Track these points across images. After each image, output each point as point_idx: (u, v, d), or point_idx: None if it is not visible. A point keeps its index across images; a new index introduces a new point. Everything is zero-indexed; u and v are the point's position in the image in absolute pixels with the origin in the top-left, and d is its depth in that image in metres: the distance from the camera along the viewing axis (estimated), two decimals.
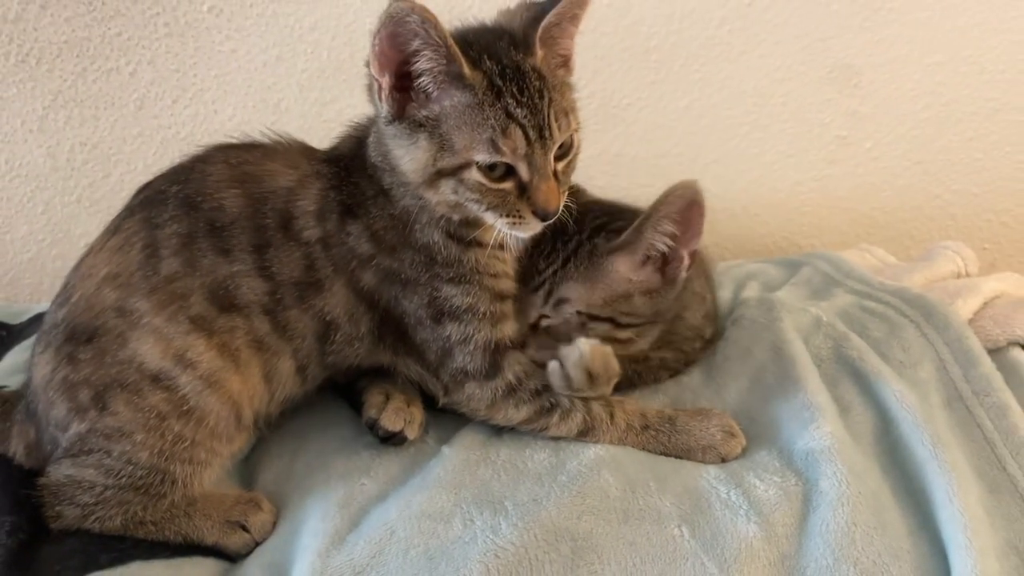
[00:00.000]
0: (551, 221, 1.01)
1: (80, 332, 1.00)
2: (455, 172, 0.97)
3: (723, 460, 1.07)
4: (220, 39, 1.60)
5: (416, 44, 0.91)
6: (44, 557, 0.98)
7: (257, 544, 1.04)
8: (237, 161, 1.04)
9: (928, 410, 1.08)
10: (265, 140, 1.09)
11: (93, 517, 1.01)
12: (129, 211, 1.05)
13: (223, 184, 1.03)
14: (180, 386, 0.99)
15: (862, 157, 1.77)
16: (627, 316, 1.15)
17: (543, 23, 0.97)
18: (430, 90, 0.95)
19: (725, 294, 1.45)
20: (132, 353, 0.98)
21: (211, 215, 1.01)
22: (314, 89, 1.64)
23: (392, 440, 1.11)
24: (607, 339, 1.10)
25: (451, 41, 0.91)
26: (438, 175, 0.97)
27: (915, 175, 1.78)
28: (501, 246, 1.06)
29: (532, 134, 0.95)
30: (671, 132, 1.71)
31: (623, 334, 1.15)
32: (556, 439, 1.08)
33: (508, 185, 0.98)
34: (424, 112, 0.96)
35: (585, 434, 1.08)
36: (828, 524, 0.93)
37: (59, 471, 1.02)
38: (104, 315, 0.99)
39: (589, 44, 1.63)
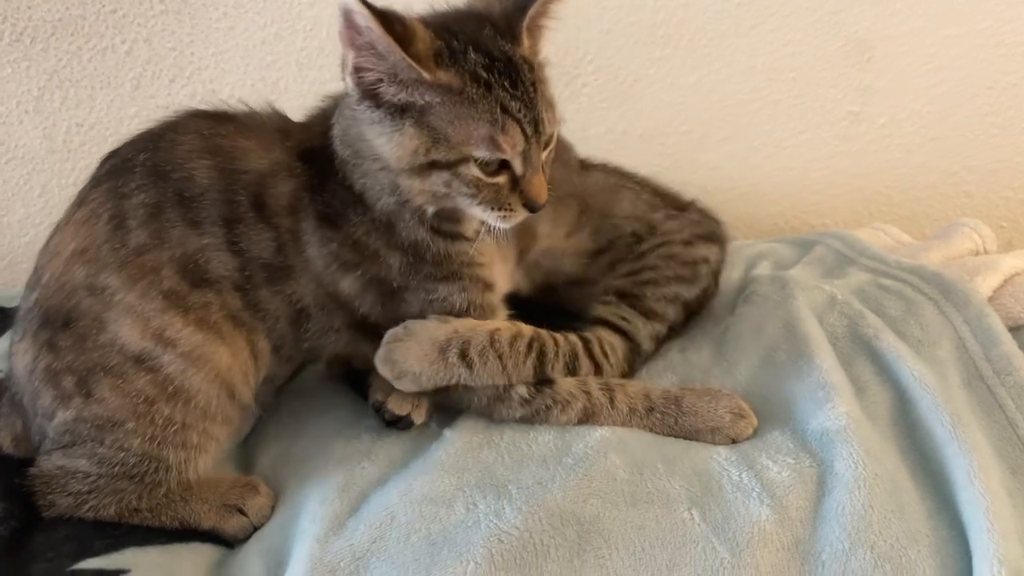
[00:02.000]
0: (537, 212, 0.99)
1: (55, 316, 0.96)
2: (451, 166, 0.93)
3: (733, 442, 1.04)
4: (217, 16, 1.57)
5: (366, 49, 0.87)
6: (37, 544, 0.96)
7: (255, 528, 1.02)
8: (210, 132, 1.00)
9: (947, 389, 1.05)
10: (239, 111, 1.04)
11: (87, 506, 0.99)
12: (95, 181, 1.00)
13: (194, 154, 0.98)
14: (163, 365, 0.96)
15: (875, 134, 1.72)
16: None
17: (530, 12, 0.93)
18: (395, 90, 0.90)
19: (735, 273, 1.42)
20: (112, 336, 0.95)
21: (180, 185, 0.97)
22: (313, 67, 1.61)
23: (398, 424, 1.08)
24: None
25: (402, 53, 0.86)
26: (431, 166, 0.93)
27: (930, 152, 1.73)
28: (485, 233, 1.03)
29: (528, 129, 0.92)
30: (679, 109, 1.67)
31: None
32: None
33: (502, 179, 0.95)
34: (403, 97, 0.91)
35: (586, 420, 1.05)
36: (844, 507, 0.90)
37: (50, 461, 0.99)
38: (76, 295, 0.95)
39: (594, 18, 1.59)
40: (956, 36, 1.64)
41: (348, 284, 1.01)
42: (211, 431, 1.00)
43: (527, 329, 1.07)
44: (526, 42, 0.94)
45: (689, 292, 1.25)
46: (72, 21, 1.56)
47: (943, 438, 0.98)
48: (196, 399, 0.98)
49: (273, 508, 1.03)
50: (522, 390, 1.04)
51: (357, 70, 0.90)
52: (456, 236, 1.03)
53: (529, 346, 1.05)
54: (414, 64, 0.87)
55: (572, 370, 1.08)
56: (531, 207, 0.97)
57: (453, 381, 1.02)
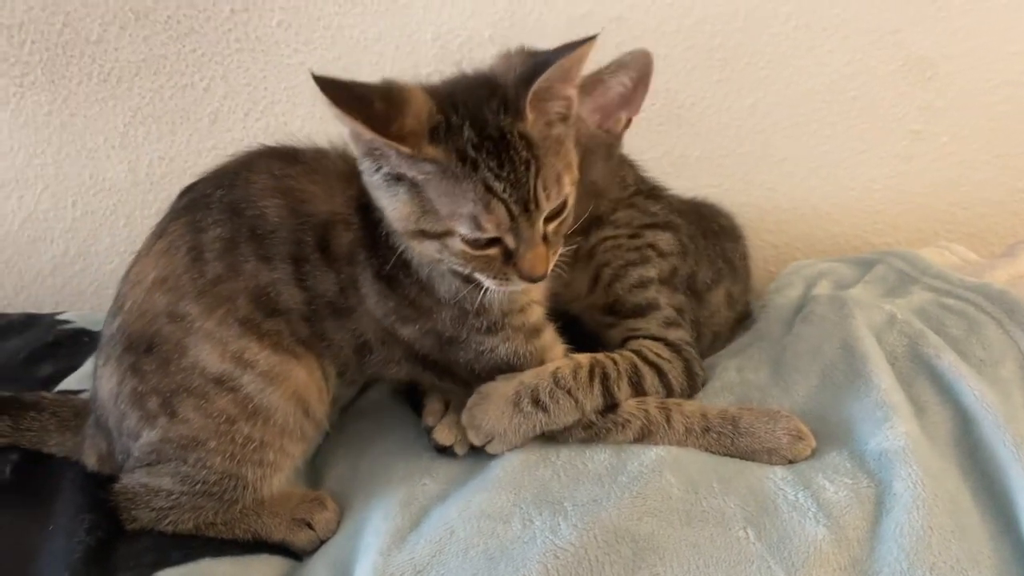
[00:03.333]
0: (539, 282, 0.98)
1: (138, 341, 1.02)
2: (439, 237, 0.94)
3: (790, 462, 1.04)
4: (289, 52, 1.64)
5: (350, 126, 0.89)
6: (120, 554, 1.01)
7: (322, 542, 1.06)
8: (281, 173, 1.04)
9: (1011, 410, 1.04)
10: (309, 151, 1.08)
11: (167, 520, 1.04)
12: (174, 214, 1.06)
13: (266, 193, 1.03)
14: (243, 385, 1.01)
15: (938, 152, 1.70)
16: None
17: (533, 87, 0.89)
18: (384, 161, 0.92)
19: (794, 292, 1.42)
20: (193, 360, 1.00)
21: (253, 222, 1.02)
22: None
23: (444, 452, 1.11)
24: None
25: (372, 134, 0.87)
26: (421, 234, 0.94)
27: (995, 169, 1.70)
28: None
29: (515, 208, 0.90)
30: (737, 131, 1.68)
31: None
32: None
33: (493, 252, 0.95)
34: (393, 167, 0.91)
35: (642, 440, 1.07)
36: (903, 527, 0.89)
37: (134, 479, 1.05)
38: (157, 321, 1.01)
39: (650, 44, 1.60)
40: (1020, 53, 1.61)
41: (407, 332, 1.05)
42: (287, 448, 1.05)
43: (584, 358, 1.09)
44: (530, 117, 0.90)
45: (652, 271, 1.24)
46: (155, 60, 1.65)
47: (1006, 459, 0.97)
48: (275, 416, 1.02)
49: (339, 522, 1.07)
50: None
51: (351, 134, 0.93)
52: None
53: (591, 373, 1.08)
54: (393, 143, 0.87)
55: (637, 383, 1.11)
56: (528, 280, 0.96)
57: (538, 429, 1.05)
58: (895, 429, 1.01)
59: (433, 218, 0.92)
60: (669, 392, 1.13)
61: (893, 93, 1.65)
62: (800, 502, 0.96)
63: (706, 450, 1.06)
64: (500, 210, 0.90)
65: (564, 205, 0.96)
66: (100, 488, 1.08)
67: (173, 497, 1.04)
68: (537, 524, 0.95)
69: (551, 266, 0.97)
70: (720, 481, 1.00)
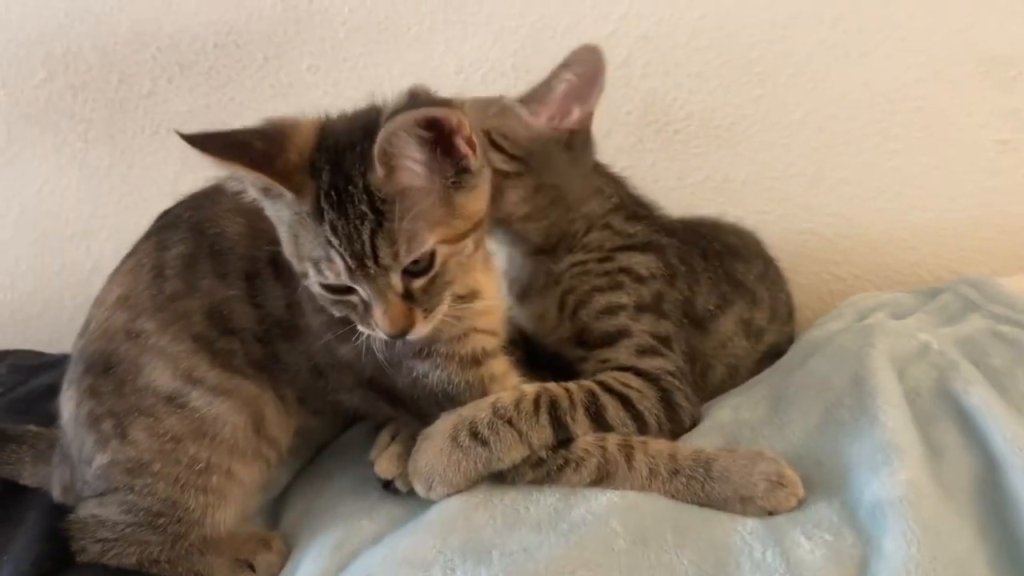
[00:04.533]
0: (411, 339, 0.91)
1: (97, 362, 1.01)
2: (304, 276, 0.90)
3: (770, 513, 0.88)
4: (319, 95, 1.65)
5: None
6: None
7: None
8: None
9: None
10: None
11: (112, 553, 1.02)
12: (146, 236, 1.07)
13: (229, 212, 1.02)
14: (192, 401, 0.99)
15: None
16: (504, 139, 1.11)
17: (376, 143, 0.82)
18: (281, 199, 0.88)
19: (836, 325, 1.23)
20: (147, 379, 0.99)
21: (213, 239, 1.01)
22: None
23: (388, 489, 1.02)
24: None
25: (265, 178, 0.84)
26: (300, 273, 0.91)
27: None
28: (463, 299, 0.97)
29: (352, 263, 0.85)
30: (786, 150, 1.52)
31: (498, 161, 1.09)
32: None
33: (354, 298, 0.90)
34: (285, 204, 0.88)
35: (600, 482, 0.94)
36: None
37: (86, 509, 1.04)
38: (116, 339, 1.01)
39: (681, 61, 1.50)
40: None
41: (345, 351, 0.99)
42: (235, 472, 1.01)
43: (531, 387, 0.99)
44: (380, 171, 0.83)
45: (623, 298, 1.10)
46: (199, 111, 1.70)
47: None
48: (222, 432, 0.99)
49: (283, 565, 1.01)
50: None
51: None
52: None
53: (536, 403, 0.96)
54: (274, 181, 0.84)
55: (596, 415, 0.98)
56: (386, 334, 0.89)
57: (480, 467, 0.94)
58: (894, 476, 0.83)
59: (297, 257, 0.89)
60: (641, 426, 0.99)
61: (968, 99, 1.44)
62: (767, 561, 0.81)
63: (672, 496, 0.92)
64: (338, 261, 0.86)
65: (431, 263, 0.88)
66: (60, 519, 1.06)
67: (119, 528, 1.01)
68: (458, 573, 0.85)
69: (428, 323, 0.90)
70: (676, 532, 0.86)
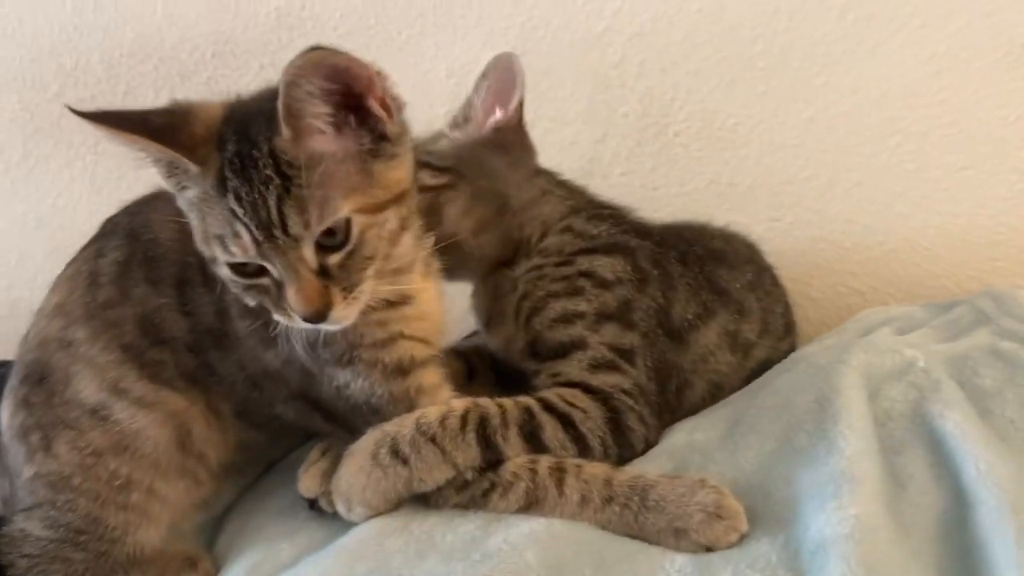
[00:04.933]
0: (332, 325, 0.85)
1: (33, 372, 0.99)
2: (213, 262, 0.85)
3: (708, 549, 0.78)
4: None
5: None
6: None
7: None
8: None
9: None
10: None
11: (37, 570, 0.98)
12: (88, 243, 1.04)
13: (164, 217, 0.97)
14: (115, 413, 0.95)
15: None
16: (428, 154, 1.08)
17: (280, 98, 0.78)
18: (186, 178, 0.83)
19: (832, 340, 1.11)
20: (75, 390, 0.96)
21: (147, 245, 0.98)
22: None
23: (314, 509, 0.96)
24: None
25: (168, 151, 0.80)
26: (210, 260, 0.86)
27: None
28: (393, 303, 0.91)
29: (259, 235, 0.79)
30: (795, 152, 1.40)
31: (427, 178, 1.05)
32: None
33: (265, 281, 0.84)
34: (179, 181, 0.84)
35: (529, 508, 0.85)
36: None
37: (16, 524, 1.00)
38: (50, 348, 0.98)
39: (679, 59, 1.40)
40: None
41: (271, 359, 0.94)
42: (157, 489, 0.97)
43: (460, 402, 0.91)
44: (286, 131, 0.79)
45: (582, 304, 1.00)
46: None
47: (1002, 562, 0.65)
48: (143, 447, 0.95)
49: None
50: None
51: None
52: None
53: (464, 419, 0.89)
54: (176, 153, 0.80)
55: (532, 435, 0.90)
56: (300, 317, 0.83)
57: (401, 488, 0.87)
58: (842, 511, 0.72)
59: (205, 240, 0.84)
60: (582, 449, 0.90)
61: (998, 91, 1.30)
62: None
63: (603, 527, 0.83)
64: (244, 234, 0.80)
65: (347, 236, 0.82)
66: None
67: (42, 544, 0.97)
68: None
69: (350, 307, 0.84)
70: (597, 567, 0.76)
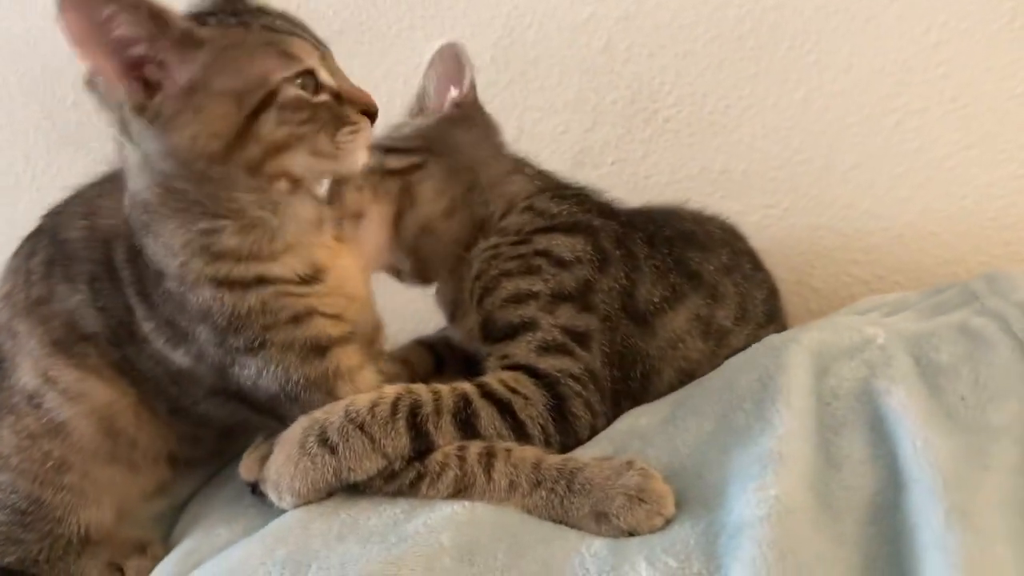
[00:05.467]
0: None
1: None
2: (269, 101, 0.83)
3: (631, 534, 0.73)
4: None
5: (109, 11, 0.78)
6: None
7: None
8: (97, 193, 1.01)
9: (971, 473, 0.64)
10: None
11: None
12: (24, 239, 1.04)
13: (77, 215, 1.00)
14: (46, 402, 0.96)
15: None
16: (392, 139, 1.09)
17: None
18: (167, 61, 0.81)
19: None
20: (17, 377, 0.98)
21: (63, 245, 0.98)
22: None
23: (256, 494, 0.93)
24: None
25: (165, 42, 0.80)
26: (253, 117, 0.83)
27: None
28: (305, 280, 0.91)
29: (310, 38, 0.88)
30: (788, 135, 1.33)
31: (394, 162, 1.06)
32: None
33: (324, 96, 0.87)
34: (182, 84, 0.81)
35: (458, 495, 0.82)
36: None
37: None
38: (2, 335, 1.00)
39: (666, 42, 1.36)
40: None
41: (179, 359, 0.93)
42: (90, 472, 0.97)
43: (392, 388, 0.88)
44: None
45: (537, 284, 0.96)
46: None
47: (927, 544, 0.59)
48: (72, 435, 0.96)
49: None
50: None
51: (128, 67, 0.81)
52: (253, 282, 0.89)
53: (394, 406, 0.85)
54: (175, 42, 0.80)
55: (466, 422, 0.86)
56: (369, 111, 0.90)
57: (331, 478, 0.84)
58: (764, 492, 0.67)
59: (253, 90, 0.82)
60: (521, 437, 0.86)
61: (1002, 62, 1.21)
62: None
63: (529, 511, 0.79)
64: (301, 41, 0.86)
65: None
66: None
67: None
68: None
69: None
70: (511, 551, 0.73)
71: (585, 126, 1.44)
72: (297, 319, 0.89)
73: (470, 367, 1.13)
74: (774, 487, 0.66)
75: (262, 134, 0.84)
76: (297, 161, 0.86)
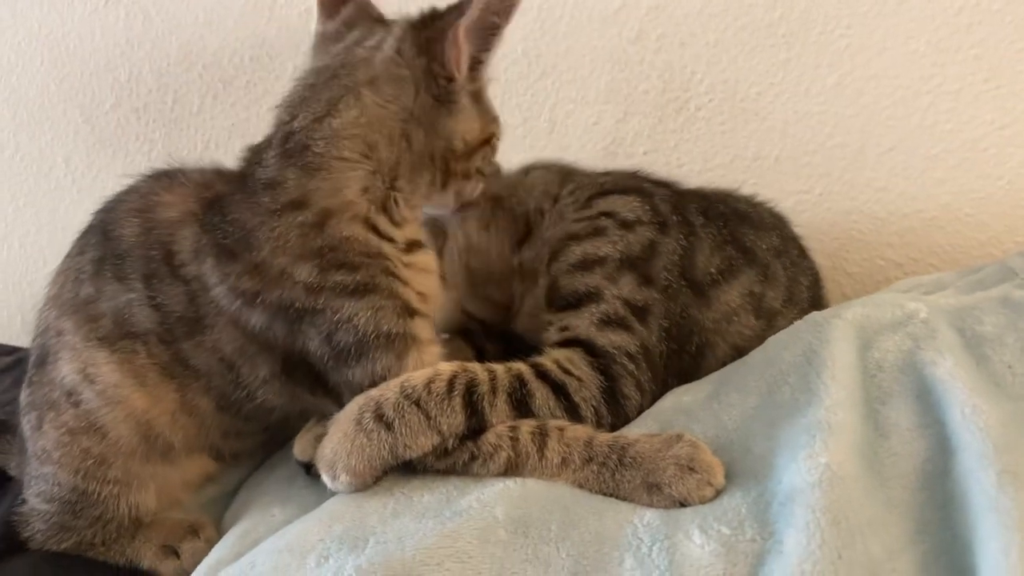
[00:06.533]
0: None
1: (39, 355, 1.04)
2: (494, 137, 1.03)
3: (682, 504, 0.75)
4: None
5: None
6: (4, 571, 1.01)
7: (188, 573, 0.96)
8: (146, 190, 1.03)
9: (1021, 438, 0.65)
10: (188, 168, 1.05)
11: (52, 540, 1.03)
12: (76, 239, 1.07)
13: (129, 213, 1.01)
14: (85, 401, 0.98)
15: None
16: None
17: None
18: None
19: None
20: (60, 373, 1.00)
21: (115, 244, 1.00)
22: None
23: (309, 474, 0.96)
24: None
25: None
26: (486, 143, 1.01)
27: None
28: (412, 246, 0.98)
29: None
30: (821, 120, 1.34)
31: None
32: None
33: None
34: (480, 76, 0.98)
35: (508, 473, 0.84)
36: None
37: (27, 502, 1.05)
38: (48, 334, 1.03)
39: (696, 31, 1.37)
40: None
41: (256, 318, 0.94)
42: (134, 469, 0.99)
43: (448, 366, 0.89)
44: None
45: (606, 247, 0.96)
46: (240, 124, 1.76)
47: (980, 507, 0.60)
48: (110, 435, 0.98)
49: None
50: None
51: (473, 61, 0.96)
52: (389, 237, 0.95)
53: (450, 383, 0.87)
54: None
55: (521, 402, 0.88)
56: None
57: (387, 455, 0.85)
58: (814, 460, 0.68)
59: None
60: (573, 418, 0.88)
61: None
62: (652, 557, 0.69)
63: (580, 486, 0.80)
64: None
65: None
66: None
67: (47, 517, 1.02)
68: (330, 562, 0.77)
69: None
70: (564, 524, 0.74)
71: (617, 116, 1.45)
72: (405, 279, 0.93)
73: (508, 356, 1.15)
74: (824, 455, 0.68)
75: (477, 158, 1.01)
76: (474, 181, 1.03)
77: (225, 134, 1.78)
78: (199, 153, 1.81)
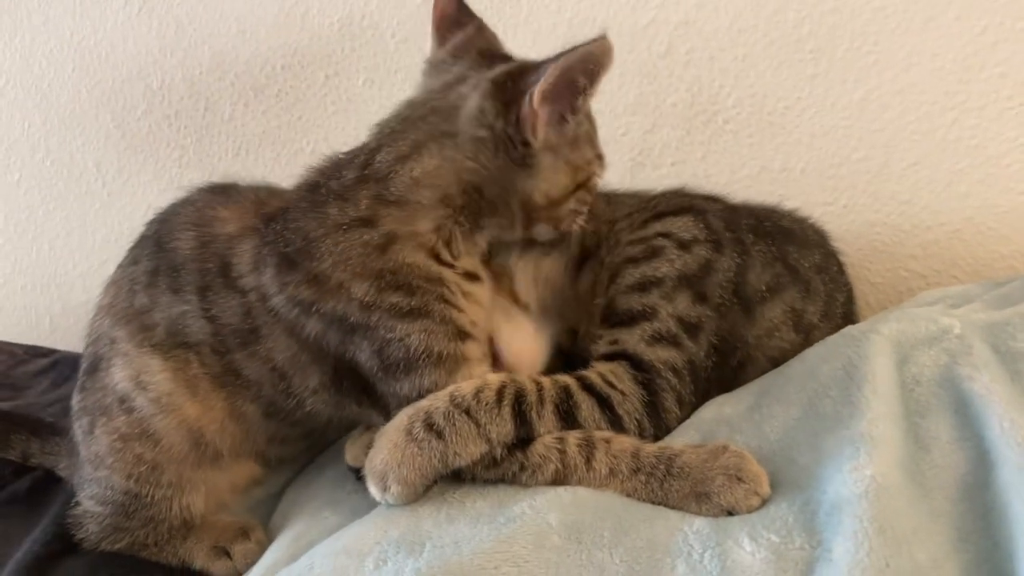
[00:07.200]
0: None
1: (91, 362, 1.07)
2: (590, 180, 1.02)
3: (729, 513, 0.78)
4: (376, 108, 1.63)
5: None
6: (61, 568, 1.05)
7: (240, 573, 1.00)
8: (202, 204, 1.05)
9: None
10: (242, 185, 1.09)
11: (106, 540, 1.07)
12: (129, 249, 1.11)
13: (185, 226, 1.04)
14: (137, 408, 1.01)
15: None
16: None
17: None
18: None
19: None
20: (112, 379, 1.03)
21: (170, 255, 1.03)
22: None
23: (360, 480, 0.98)
24: None
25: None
26: (578, 188, 1.00)
27: None
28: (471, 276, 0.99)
29: None
30: (847, 134, 1.37)
31: None
32: None
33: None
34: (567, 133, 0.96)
35: (558, 483, 0.87)
36: None
37: (80, 504, 1.09)
38: (101, 342, 1.06)
39: (726, 45, 1.40)
40: None
41: (312, 325, 0.96)
42: (186, 473, 1.03)
43: (495, 376, 0.92)
44: None
45: (663, 267, 0.99)
46: (272, 131, 1.79)
47: (1020, 517, 0.63)
48: (163, 442, 1.01)
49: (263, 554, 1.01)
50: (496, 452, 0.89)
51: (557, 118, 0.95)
52: (449, 263, 0.97)
53: (499, 393, 0.90)
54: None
55: (568, 413, 0.91)
56: None
57: (437, 464, 0.88)
58: (859, 471, 0.71)
59: (598, 160, 1.03)
60: (617, 430, 0.90)
61: None
62: (703, 564, 0.72)
63: (628, 495, 0.84)
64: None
65: None
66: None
67: (100, 519, 1.06)
68: (388, 565, 0.81)
69: None
70: (616, 530, 0.78)
71: (645, 128, 1.49)
72: (460, 307, 0.95)
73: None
74: (869, 467, 0.71)
75: (573, 202, 1.01)
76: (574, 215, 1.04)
77: (256, 141, 1.81)
78: (229, 160, 1.84)
